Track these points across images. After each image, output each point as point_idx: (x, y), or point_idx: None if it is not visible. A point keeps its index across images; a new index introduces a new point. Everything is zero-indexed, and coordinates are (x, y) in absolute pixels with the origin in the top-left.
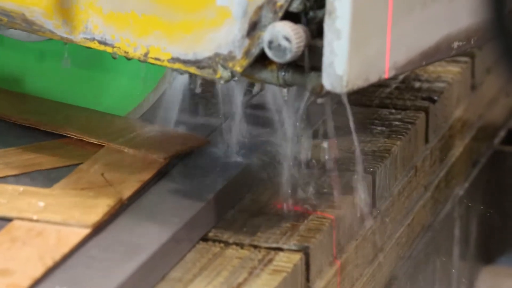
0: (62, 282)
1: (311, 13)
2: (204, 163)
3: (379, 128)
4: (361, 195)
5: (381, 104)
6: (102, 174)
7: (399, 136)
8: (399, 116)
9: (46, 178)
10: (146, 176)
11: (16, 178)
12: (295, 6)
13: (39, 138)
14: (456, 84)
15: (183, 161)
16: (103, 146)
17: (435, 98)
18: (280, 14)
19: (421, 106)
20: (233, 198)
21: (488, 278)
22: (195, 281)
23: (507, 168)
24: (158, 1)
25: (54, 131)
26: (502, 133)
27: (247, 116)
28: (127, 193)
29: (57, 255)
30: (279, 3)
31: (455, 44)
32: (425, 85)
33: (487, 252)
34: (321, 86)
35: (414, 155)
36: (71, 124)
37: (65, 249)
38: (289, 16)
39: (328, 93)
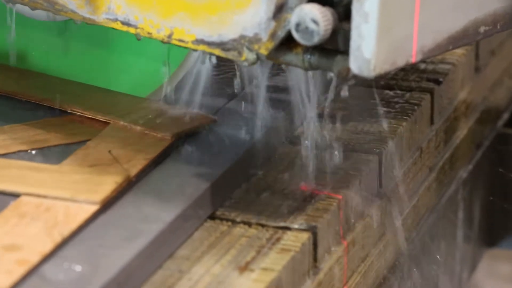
0: (71, 258)
1: None
2: (211, 142)
3: (384, 109)
4: (369, 176)
5: (386, 86)
6: (109, 151)
7: (404, 117)
8: (404, 98)
9: (53, 154)
10: (153, 153)
11: (23, 154)
12: None
13: (45, 115)
14: (460, 66)
15: (190, 139)
16: (109, 123)
17: (440, 79)
18: None
19: (426, 88)
20: (241, 176)
21: (491, 261)
22: (203, 259)
23: (510, 151)
24: None
25: (60, 108)
26: (506, 116)
27: (255, 96)
28: (134, 170)
29: (66, 231)
30: None
31: (482, 29)
32: (430, 67)
33: (490, 235)
34: (348, 70)
35: (419, 137)
36: (78, 101)
37: (73, 225)
38: None
39: (355, 77)
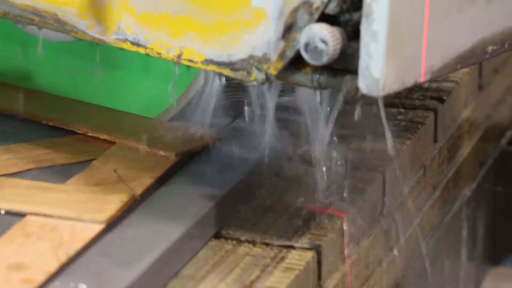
0: (76, 277)
1: (346, 15)
2: (216, 161)
3: (388, 127)
4: (373, 194)
5: (390, 104)
6: (115, 171)
7: (408, 136)
8: (408, 116)
9: (59, 173)
10: (158, 172)
11: (29, 173)
12: (331, 8)
13: (51, 134)
14: (464, 84)
15: (195, 158)
16: (115, 143)
17: (444, 98)
18: (316, 16)
19: (430, 106)
20: (245, 195)
21: (495, 280)
22: (207, 278)
23: None
24: (192, 2)
25: (66, 128)
26: (509, 134)
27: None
28: (139, 189)
29: (71, 250)
30: (315, 5)
31: (490, 48)
32: (434, 85)
33: (494, 253)
34: (356, 89)
35: (423, 155)
36: (83, 121)
37: (79, 244)
38: (324, 18)
39: (363, 97)
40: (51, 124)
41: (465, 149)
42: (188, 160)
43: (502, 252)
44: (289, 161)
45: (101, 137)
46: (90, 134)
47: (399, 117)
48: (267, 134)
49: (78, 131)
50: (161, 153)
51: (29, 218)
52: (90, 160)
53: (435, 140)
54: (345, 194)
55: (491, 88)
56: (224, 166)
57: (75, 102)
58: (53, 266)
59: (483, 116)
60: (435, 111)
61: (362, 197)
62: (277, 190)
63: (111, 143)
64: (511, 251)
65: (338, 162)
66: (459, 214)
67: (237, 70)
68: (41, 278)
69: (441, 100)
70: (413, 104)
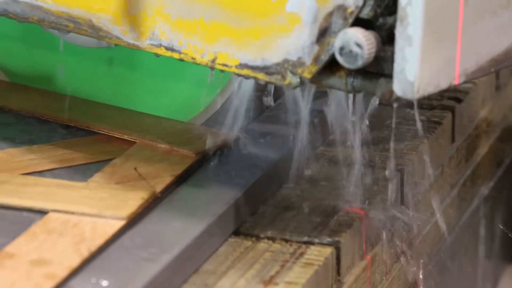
0: (98, 272)
1: (381, 20)
2: (236, 159)
3: (406, 127)
4: (391, 192)
5: (408, 104)
6: (135, 169)
7: (426, 135)
8: (426, 115)
9: (81, 172)
10: (178, 170)
11: (52, 173)
12: (366, 13)
13: (72, 135)
14: (481, 84)
15: (215, 156)
16: (135, 142)
17: (461, 98)
18: (350, 20)
19: (448, 106)
20: (264, 193)
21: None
22: (228, 273)
23: None
24: (227, 8)
25: (87, 128)
26: None
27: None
28: (160, 187)
29: (93, 246)
30: (349, 10)
31: None
32: None
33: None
34: (391, 93)
35: (441, 154)
36: (103, 121)
37: (100, 240)
38: (358, 22)
39: (398, 99)
40: (72, 125)
41: (483, 149)
42: (208, 159)
43: None
44: (309, 160)
45: (122, 137)
46: (110, 134)
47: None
48: (289, 134)
49: (99, 132)
50: (181, 151)
51: (51, 215)
52: (111, 160)
53: (453, 140)
54: (364, 192)
55: (508, 89)
56: (243, 164)
57: (95, 103)
58: (75, 262)
59: (500, 116)
60: (453, 111)
61: (380, 194)
62: (296, 188)
63: (132, 142)
64: None
65: (358, 161)
66: (477, 213)
67: (271, 74)
68: (63, 273)
69: (458, 100)
70: (431, 104)
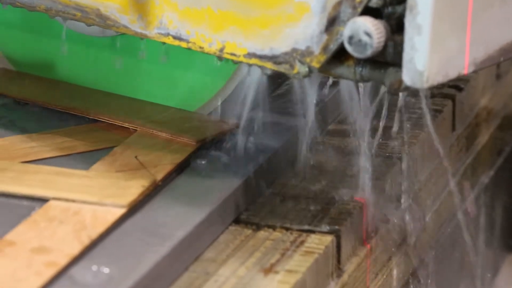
0: (99, 260)
1: (390, 8)
2: (236, 147)
3: (406, 115)
4: (391, 180)
5: (409, 92)
6: (136, 157)
7: (427, 123)
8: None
9: (81, 160)
10: (179, 159)
11: (52, 160)
12: (375, 1)
13: (72, 122)
14: (482, 73)
15: (215, 145)
16: (135, 130)
17: (462, 86)
18: (359, 9)
19: (448, 94)
20: (264, 181)
21: None
22: (228, 261)
23: None
24: None
25: (86, 116)
26: None
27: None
28: (160, 175)
29: (94, 234)
30: None
31: None
32: None
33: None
34: (400, 82)
35: (441, 142)
36: (103, 109)
37: (101, 228)
38: (367, 11)
39: (406, 89)
40: (72, 112)
41: (483, 137)
42: (209, 147)
43: None
44: (309, 149)
45: (122, 125)
46: (111, 122)
47: (417, 104)
48: (290, 122)
49: (99, 119)
50: (182, 139)
51: (52, 202)
52: (112, 148)
53: (453, 128)
54: (364, 180)
55: (509, 77)
56: (244, 152)
57: (95, 91)
58: (76, 249)
59: (501, 105)
60: (453, 99)
61: (381, 183)
62: (296, 176)
63: (132, 130)
64: None
65: (359, 150)
66: (477, 201)
67: (279, 63)
68: (64, 261)
69: (459, 89)
70: (431, 92)
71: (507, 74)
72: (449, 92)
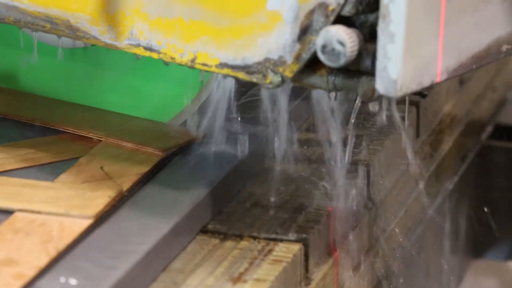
0: (66, 271)
1: (362, 17)
2: (202, 157)
3: (370, 122)
4: (357, 188)
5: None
6: (102, 168)
7: (391, 130)
8: (390, 110)
9: (46, 172)
10: (145, 169)
11: (17, 172)
12: (347, 10)
13: (37, 134)
14: None
15: (180, 154)
16: (100, 140)
17: (425, 92)
18: (332, 18)
19: (412, 101)
20: (231, 191)
21: (477, 272)
22: (196, 271)
23: (495, 163)
24: (207, 7)
25: (51, 127)
26: (489, 128)
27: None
28: (126, 185)
29: (61, 245)
30: (331, 7)
31: (504, 47)
32: None
33: (476, 246)
34: (373, 91)
35: (406, 149)
36: (68, 120)
37: (68, 239)
38: (340, 20)
39: (380, 97)
40: (37, 124)
41: (447, 143)
42: (175, 157)
43: (483, 245)
44: (275, 157)
45: (87, 135)
46: (76, 132)
47: (382, 111)
48: (257, 131)
49: (64, 130)
50: (147, 149)
51: (17, 214)
52: (77, 158)
53: (418, 135)
54: (330, 188)
55: (472, 83)
56: (209, 162)
57: (59, 102)
58: (43, 261)
59: (464, 111)
60: (417, 106)
61: (347, 190)
62: (262, 185)
63: (97, 141)
64: (493, 244)
65: (324, 157)
66: (442, 207)
67: (252, 73)
68: (31, 273)
69: (422, 95)
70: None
71: (470, 80)
72: (413, 98)
